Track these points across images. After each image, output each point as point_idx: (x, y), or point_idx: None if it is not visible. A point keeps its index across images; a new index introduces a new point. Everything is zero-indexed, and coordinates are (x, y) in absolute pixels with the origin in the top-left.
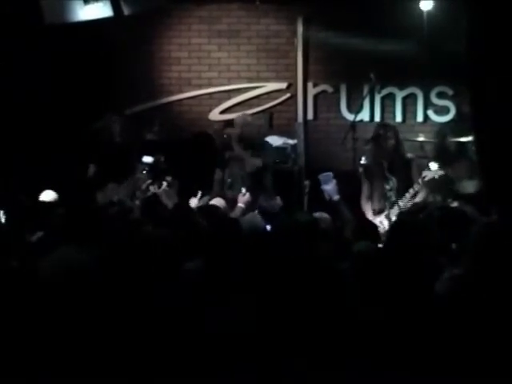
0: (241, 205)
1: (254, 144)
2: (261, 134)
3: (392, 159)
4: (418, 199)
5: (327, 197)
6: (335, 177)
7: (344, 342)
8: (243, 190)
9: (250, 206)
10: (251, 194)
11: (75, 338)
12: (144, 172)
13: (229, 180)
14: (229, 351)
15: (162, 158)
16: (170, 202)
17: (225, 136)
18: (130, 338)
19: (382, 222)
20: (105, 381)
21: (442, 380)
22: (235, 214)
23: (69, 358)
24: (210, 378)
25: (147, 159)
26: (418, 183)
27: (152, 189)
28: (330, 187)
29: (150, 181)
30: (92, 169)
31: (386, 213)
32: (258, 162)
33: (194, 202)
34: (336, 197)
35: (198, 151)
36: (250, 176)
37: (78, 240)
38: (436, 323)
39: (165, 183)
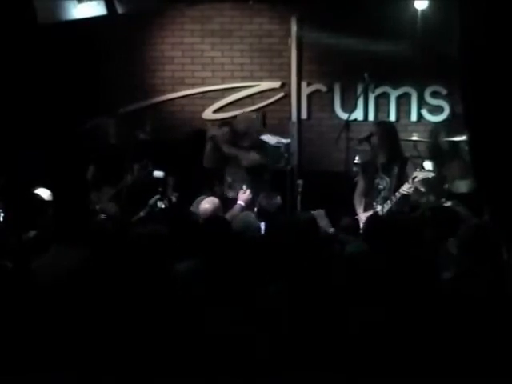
0: (240, 202)
1: (254, 142)
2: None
3: (387, 158)
4: (408, 199)
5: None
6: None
7: (336, 342)
8: (244, 188)
9: (250, 204)
10: (251, 192)
11: (70, 338)
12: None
13: (229, 179)
14: (224, 351)
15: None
16: None
17: (211, 136)
18: (122, 338)
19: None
20: (102, 380)
21: (439, 381)
22: (234, 211)
23: (63, 358)
24: (207, 379)
25: (158, 174)
26: (409, 183)
27: (160, 204)
28: (324, 223)
29: (158, 196)
30: (91, 170)
31: (376, 210)
32: (255, 156)
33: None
34: (331, 230)
35: (194, 150)
36: (249, 173)
37: (70, 240)
38: (429, 323)
39: (174, 199)
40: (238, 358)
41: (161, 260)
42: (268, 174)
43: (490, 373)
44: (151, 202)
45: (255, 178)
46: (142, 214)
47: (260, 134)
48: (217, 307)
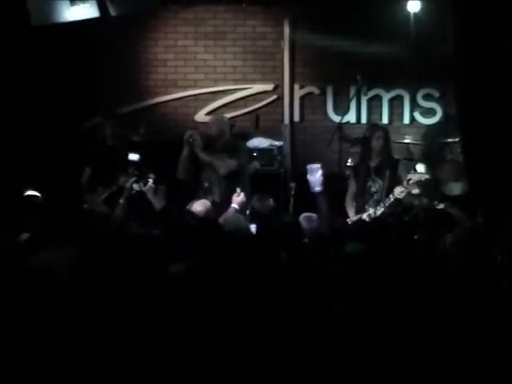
0: (234, 205)
1: (227, 145)
2: (245, 135)
3: (379, 160)
4: (401, 201)
5: (311, 188)
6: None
7: (335, 342)
8: (238, 190)
9: (244, 207)
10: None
11: (68, 339)
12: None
13: (206, 184)
14: (224, 352)
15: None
16: (155, 200)
17: (189, 140)
18: (121, 338)
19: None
20: (98, 381)
21: (439, 381)
22: (228, 214)
23: (62, 359)
24: (207, 379)
25: (133, 157)
26: (403, 185)
27: (136, 187)
28: (314, 178)
29: (134, 178)
30: (87, 172)
31: (369, 212)
32: (231, 163)
33: None
34: (318, 188)
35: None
36: (227, 178)
37: (64, 241)
38: (427, 324)
39: (150, 180)
40: (238, 358)
41: (154, 261)
42: (247, 176)
43: (490, 373)
44: (127, 185)
45: (232, 180)
46: (121, 200)
47: (250, 137)
48: (214, 307)
